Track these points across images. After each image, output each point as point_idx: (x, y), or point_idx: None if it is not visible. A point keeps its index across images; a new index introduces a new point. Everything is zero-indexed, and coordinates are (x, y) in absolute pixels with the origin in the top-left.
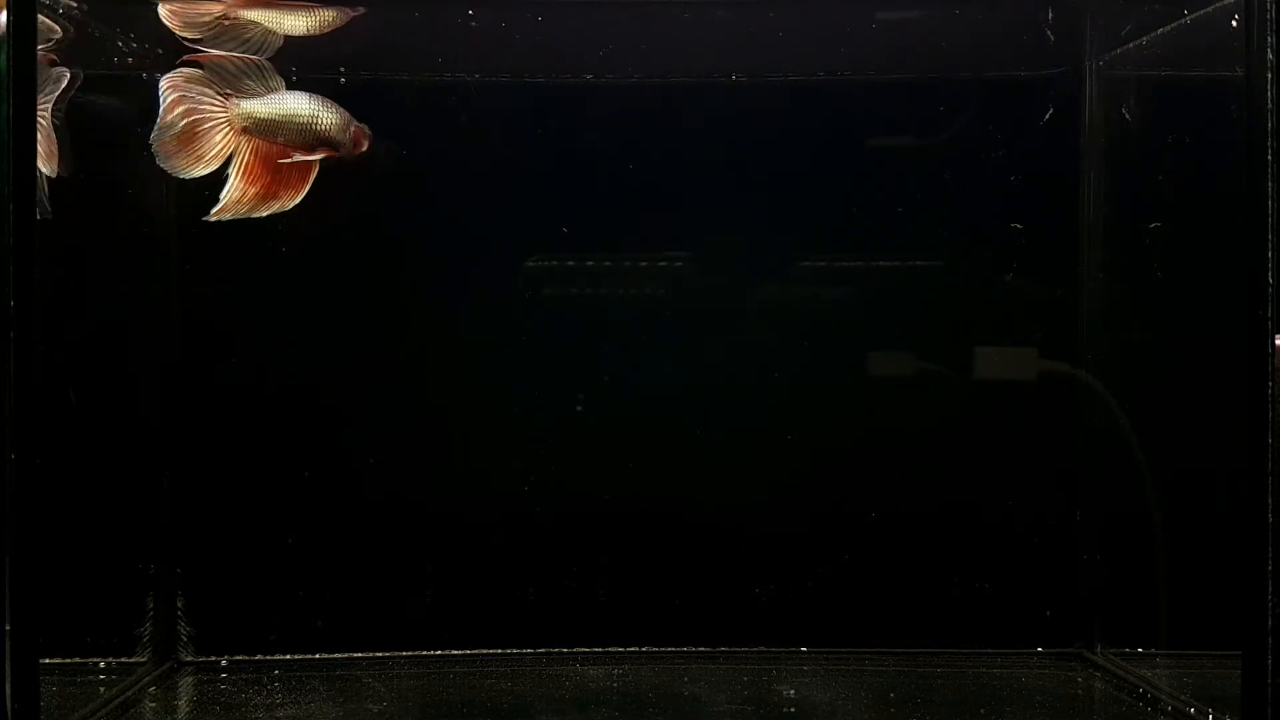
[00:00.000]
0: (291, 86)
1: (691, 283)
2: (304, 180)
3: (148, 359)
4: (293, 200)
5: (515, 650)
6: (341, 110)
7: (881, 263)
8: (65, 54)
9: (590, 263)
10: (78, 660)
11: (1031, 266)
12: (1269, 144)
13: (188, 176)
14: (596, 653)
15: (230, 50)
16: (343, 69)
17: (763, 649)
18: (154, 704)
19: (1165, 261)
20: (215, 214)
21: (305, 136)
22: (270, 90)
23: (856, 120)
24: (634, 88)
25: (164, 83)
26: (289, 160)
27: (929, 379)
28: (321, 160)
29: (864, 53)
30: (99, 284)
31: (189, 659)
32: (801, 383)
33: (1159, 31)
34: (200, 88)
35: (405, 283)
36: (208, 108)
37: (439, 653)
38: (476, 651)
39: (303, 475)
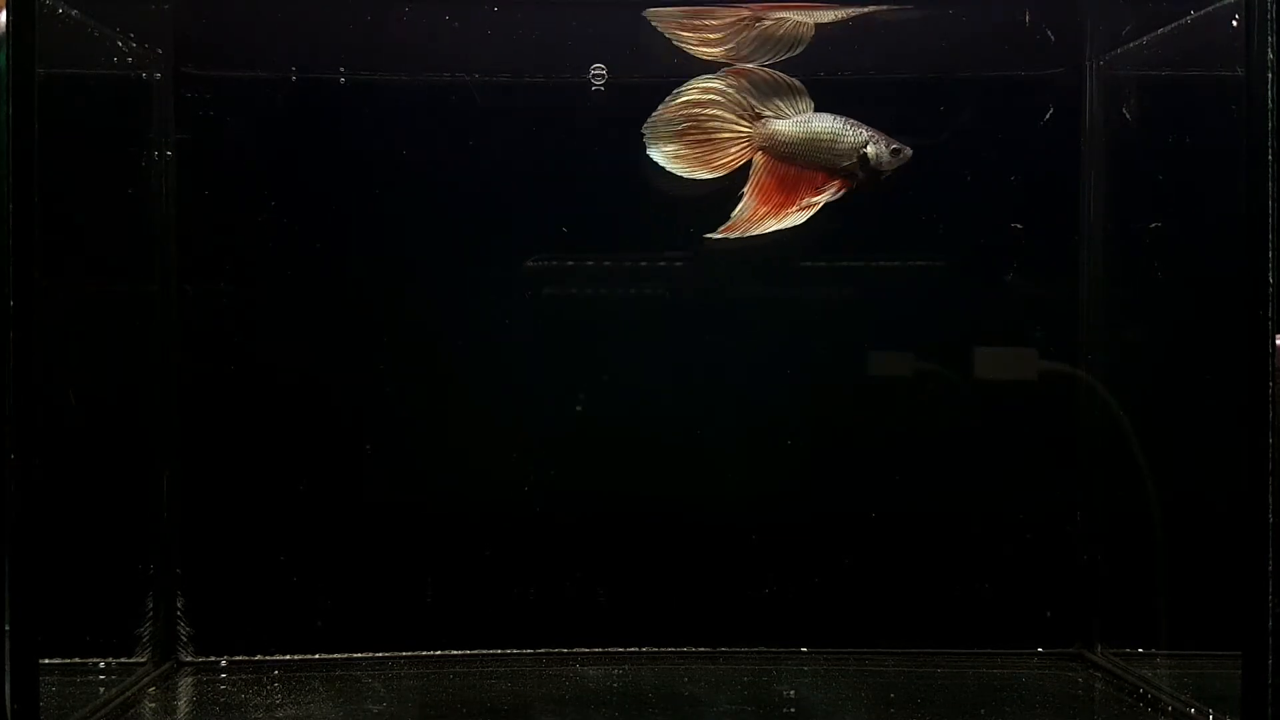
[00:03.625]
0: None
1: (691, 283)
2: (816, 198)
3: (148, 358)
4: (802, 219)
5: (515, 650)
6: (862, 131)
7: (881, 263)
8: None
9: (590, 263)
10: (77, 660)
11: (1031, 266)
12: (1269, 144)
13: (685, 175)
14: (596, 653)
15: (763, 58)
16: (342, 69)
17: (762, 649)
18: (154, 704)
19: (1165, 261)
20: (723, 231)
21: (823, 160)
22: (798, 112)
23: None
24: (634, 88)
25: (696, 81)
26: (803, 204)
27: (929, 379)
28: (841, 185)
29: (864, 53)
30: (99, 284)
31: (189, 659)
32: (801, 383)
33: (1159, 31)
34: (733, 97)
35: (405, 282)
36: (733, 119)
37: (439, 653)
38: (476, 651)
39: (303, 475)
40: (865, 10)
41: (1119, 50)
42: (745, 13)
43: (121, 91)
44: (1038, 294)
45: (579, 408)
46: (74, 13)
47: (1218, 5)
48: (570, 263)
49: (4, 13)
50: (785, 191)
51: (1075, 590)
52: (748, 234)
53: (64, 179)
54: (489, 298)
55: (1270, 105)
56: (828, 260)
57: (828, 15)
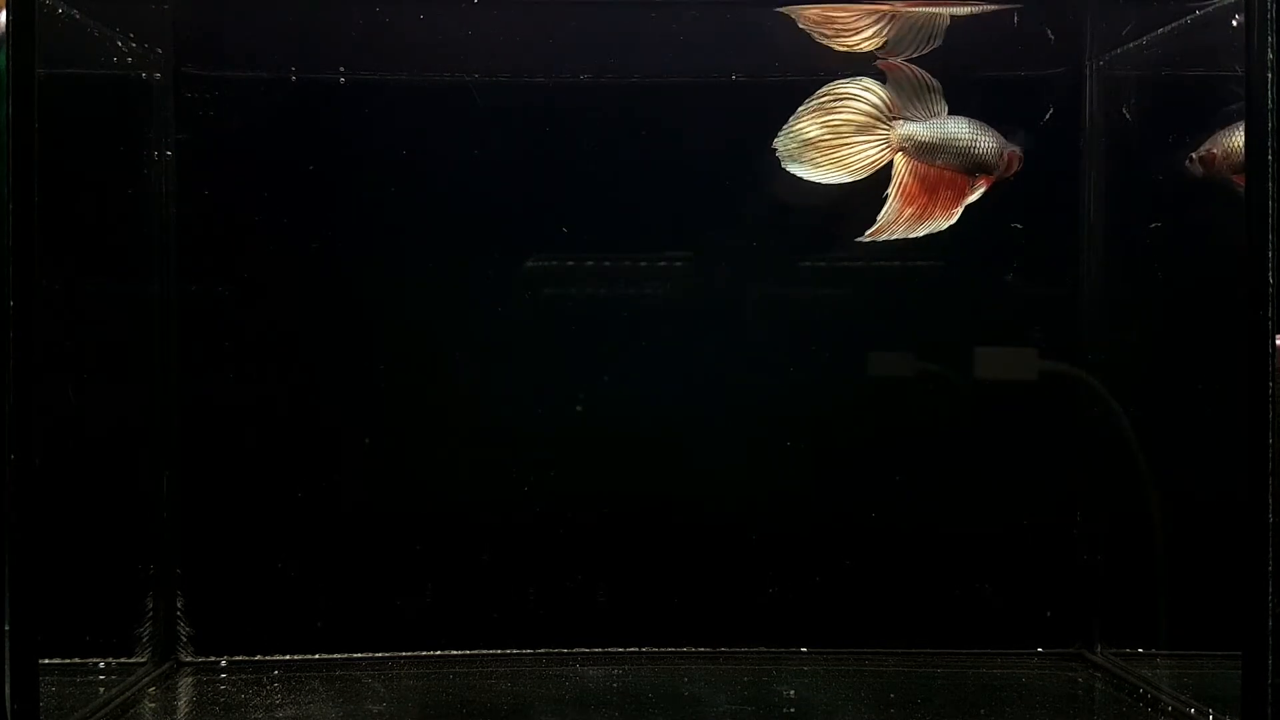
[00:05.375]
0: None
1: (691, 283)
2: (958, 201)
3: (147, 359)
4: (947, 221)
5: (515, 650)
6: (995, 134)
7: (881, 263)
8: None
9: (590, 263)
10: (77, 660)
11: (1031, 266)
12: (1269, 144)
13: (820, 180)
14: (596, 653)
15: (905, 49)
16: (342, 69)
17: (763, 649)
18: (154, 704)
19: (1165, 261)
20: (870, 235)
21: (962, 161)
22: (934, 114)
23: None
24: (634, 87)
25: (835, 85)
26: (957, 200)
27: (929, 379)
28: (986, 182)
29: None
30: (99, 284)
31: (188, 659)
32: (801, 383)
33: (1159, 31)
34: (872, 98)
35: (404, 283)
36: (873, 121)
37: (439, 653)
38: (476, 652)
39: (302, 475)
40: (998, 6)
41: (1119, 50)
42: (883, 7)
43: (121, 91)
44: (1038, 294)
45: (579, 408)
46: (74, 13)
47: (1218, 5)
48: (570, 263)
49: (4, 13)
50: (928, 193)
51: (1075, 590)
52: (893, 237)
53: (64, 179)
54: (489, 298)
55: (1270, 105)
56: (828, 260)
57: (963, 9)
